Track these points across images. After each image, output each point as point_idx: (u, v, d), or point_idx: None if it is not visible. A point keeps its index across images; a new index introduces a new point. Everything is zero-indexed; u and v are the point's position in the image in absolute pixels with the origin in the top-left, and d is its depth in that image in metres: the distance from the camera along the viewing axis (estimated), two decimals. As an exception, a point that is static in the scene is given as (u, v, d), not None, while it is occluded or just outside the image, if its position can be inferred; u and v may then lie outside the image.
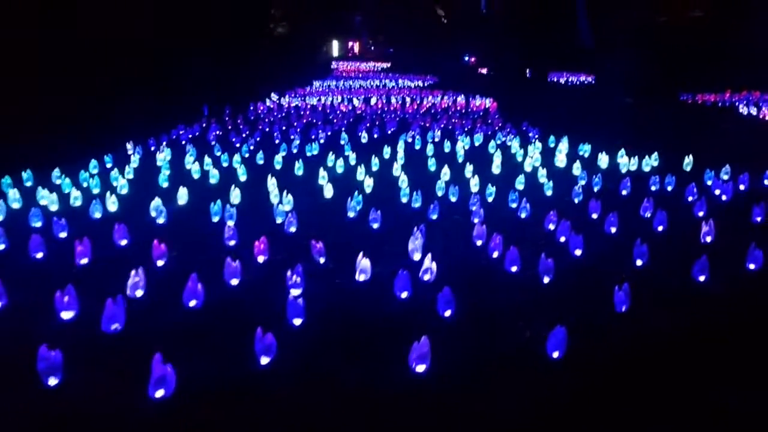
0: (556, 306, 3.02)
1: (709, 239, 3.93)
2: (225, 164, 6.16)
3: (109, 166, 5.94)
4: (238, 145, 7.27)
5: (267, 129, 8.54)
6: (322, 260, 3.49)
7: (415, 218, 4.30)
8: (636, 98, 12.41)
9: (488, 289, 3.22)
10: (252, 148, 6.93)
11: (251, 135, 7.90)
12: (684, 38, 15.17)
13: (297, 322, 2.72)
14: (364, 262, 3.23)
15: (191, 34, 12.58)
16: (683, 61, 13.77)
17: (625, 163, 6.14)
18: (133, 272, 2.99)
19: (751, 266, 3.46)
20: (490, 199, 4.91)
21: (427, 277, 3.22)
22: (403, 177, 5.24)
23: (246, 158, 6.42)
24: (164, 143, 7.17)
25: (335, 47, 35.48)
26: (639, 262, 3.52)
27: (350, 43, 37.38)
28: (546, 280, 3.25)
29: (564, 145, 7.01)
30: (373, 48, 39.09)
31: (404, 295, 3.02)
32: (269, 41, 28.51)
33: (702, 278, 3.30)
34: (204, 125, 8.73)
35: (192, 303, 2.88)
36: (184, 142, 7.29)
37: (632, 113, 11.40)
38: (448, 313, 2.83)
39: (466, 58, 26.66)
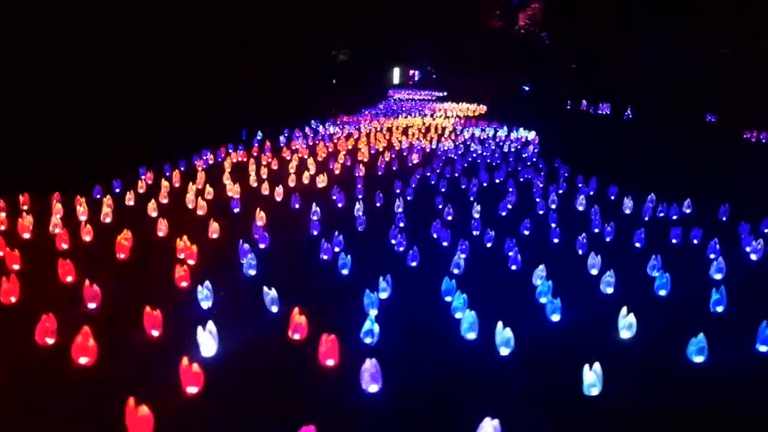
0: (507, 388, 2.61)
1: (720, 309, 3.37)
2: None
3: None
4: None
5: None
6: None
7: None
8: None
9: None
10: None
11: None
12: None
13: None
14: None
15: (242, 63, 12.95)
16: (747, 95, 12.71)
17: (650, 207, 5.56)
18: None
19: (762, 348, 2.90)
20: (488, 245, 4.51)
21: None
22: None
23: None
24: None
25: (396, 75, 35.67)
26: (626, 335, 3.03)
27: (411, 71, 37.49)
28: (505, 352, 2.83)
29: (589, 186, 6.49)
30: (435, 76, 39.06)
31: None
32: (329, 68, 28.98)
33: (699, 359, 2.78)
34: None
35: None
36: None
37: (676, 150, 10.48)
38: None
39: (525, 88, 26.08)
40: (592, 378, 2.48)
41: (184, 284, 3.57)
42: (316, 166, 7.59)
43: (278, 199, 5.99)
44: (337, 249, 4.25)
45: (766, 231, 4.87)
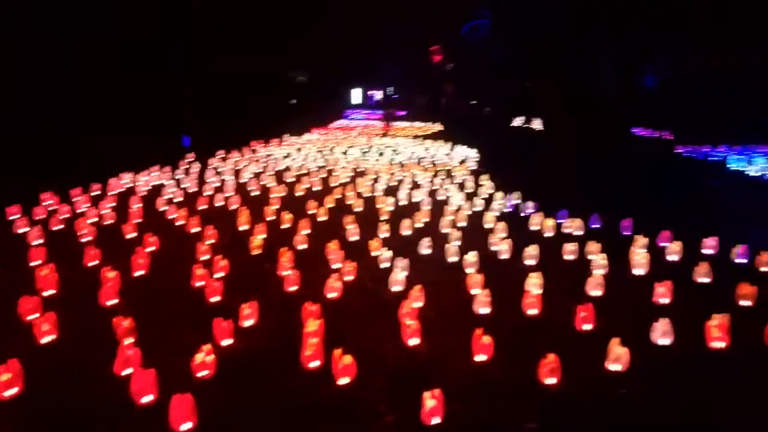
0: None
1: (588, 327, 3.31)
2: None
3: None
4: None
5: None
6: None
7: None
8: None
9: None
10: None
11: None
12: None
13: None
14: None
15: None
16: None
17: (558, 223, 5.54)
18: None
19: (612, 367, 2.83)
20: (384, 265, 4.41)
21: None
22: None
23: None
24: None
25: (355, 95, 35.80)
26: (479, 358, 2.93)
27: (370, 92, 37.72)
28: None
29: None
30: (395, 96, 39.31)
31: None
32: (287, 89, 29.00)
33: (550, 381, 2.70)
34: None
35: None
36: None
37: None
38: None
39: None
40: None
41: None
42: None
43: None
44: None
45: (660, 245, 4.88)
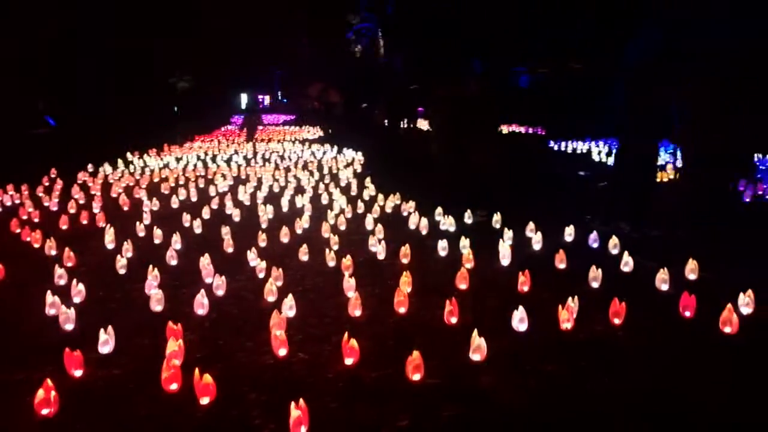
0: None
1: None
2: None
3: None
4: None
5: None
6: None
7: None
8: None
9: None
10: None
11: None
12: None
13: None
14: None
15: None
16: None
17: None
18: None
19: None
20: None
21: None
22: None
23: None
24: None
25: (244, 100, 35.03)
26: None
27: (260, 96, 37.06)
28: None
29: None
30: (286, 101, 38.91)
31: None
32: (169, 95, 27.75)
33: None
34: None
35: None
36: None
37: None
38: None
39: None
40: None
41: None
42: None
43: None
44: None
45: (528, 235, 5.19)
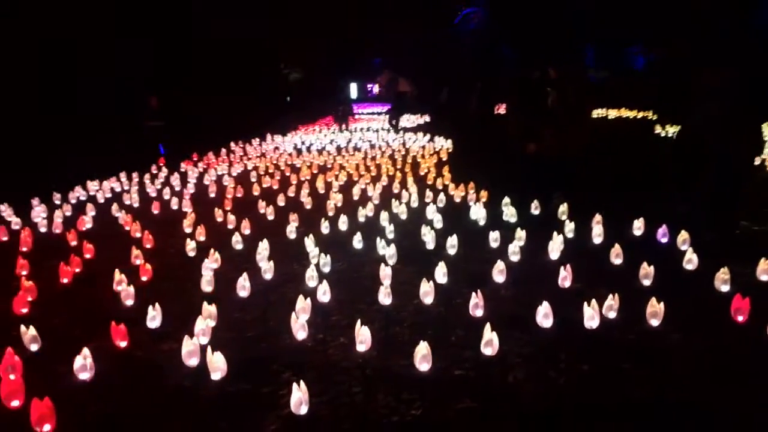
0: None
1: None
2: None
3: None
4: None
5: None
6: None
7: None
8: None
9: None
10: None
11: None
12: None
13: None
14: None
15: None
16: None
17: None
18: None
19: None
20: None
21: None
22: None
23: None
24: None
25: (353, 90, 35.86)
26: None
27: (369, 86, 37.72)
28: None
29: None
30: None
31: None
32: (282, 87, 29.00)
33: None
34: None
35: None
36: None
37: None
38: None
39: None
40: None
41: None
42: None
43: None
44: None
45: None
